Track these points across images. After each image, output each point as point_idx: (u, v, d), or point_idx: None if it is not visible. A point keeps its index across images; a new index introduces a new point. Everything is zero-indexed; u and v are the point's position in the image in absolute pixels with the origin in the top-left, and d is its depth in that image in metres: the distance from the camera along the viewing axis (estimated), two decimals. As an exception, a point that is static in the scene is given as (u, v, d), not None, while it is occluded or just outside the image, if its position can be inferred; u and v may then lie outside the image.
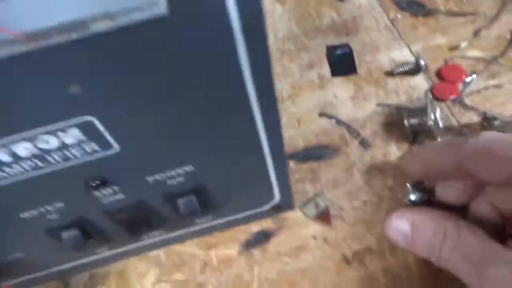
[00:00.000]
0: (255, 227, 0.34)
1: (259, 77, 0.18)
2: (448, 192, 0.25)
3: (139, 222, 0.26)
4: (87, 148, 0.20)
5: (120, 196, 0.24)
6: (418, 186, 0.27)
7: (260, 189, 0.28)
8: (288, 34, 0.44)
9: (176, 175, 0.24)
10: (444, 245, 0.22)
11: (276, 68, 0.42)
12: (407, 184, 0.27)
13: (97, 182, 0.22)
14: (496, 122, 0.32)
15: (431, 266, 0.29)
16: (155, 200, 0.26)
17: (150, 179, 0.24)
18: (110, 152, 0.21)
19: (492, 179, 0.21)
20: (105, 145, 0.20)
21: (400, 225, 0.25)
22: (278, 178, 0.27)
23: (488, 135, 0.21)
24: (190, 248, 0.34)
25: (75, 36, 0.15)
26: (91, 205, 0.24)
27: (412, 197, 0.26)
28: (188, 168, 0.24)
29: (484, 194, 0.23)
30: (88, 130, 0.19)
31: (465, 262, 0.21)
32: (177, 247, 0.34)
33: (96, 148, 0.20)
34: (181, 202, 0.26)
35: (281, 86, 0.41)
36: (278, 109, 0.22)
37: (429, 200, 0.26)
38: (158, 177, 0.24)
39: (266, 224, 0.34)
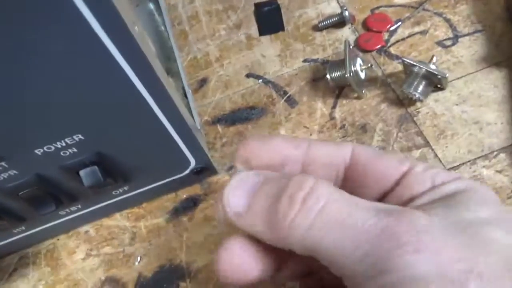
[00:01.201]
0: (183, 194, 0.33)
1: (117, 37, 0.17)
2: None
3: (44, 197, 0.26)
4: (-50, 123, 0.19)
5: (13, 172, 0.23)
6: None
7: (169, 154, 0.27)
8: (217, -6, 0.43)
9: (67, 146, 0.23)
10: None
11: (204, 30, 0.41)
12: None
13: (-23, 159, 0.21)
14: (415, 69, 0.32)
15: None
16: (55, 174, 0.25)
17: (38, 151, 0.23)
18: (-22, 125, 0.20)
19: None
20: (-31, 118, 0.19)
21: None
22: (185, 141, 0.27)
23: None
24: (119, 220, 0.33)
25: None
26: (-16, 184, 0.24)
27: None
28: (78, 137, 0.23)
29: None
30: None
31: None
32: (106, 221, 0.33)
33: (-40, 122, 0.19)
34: (83, 173, 0.25)
35: (209, 49, 0.39)
36: (155, 69, 0.21)
37: None
38: (47, 149, 0.23)
39: (194, 190, 0.33)
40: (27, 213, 0.27)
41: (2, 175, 0.23)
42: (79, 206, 0.29)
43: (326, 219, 0.15)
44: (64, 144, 0.23)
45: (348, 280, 0.15)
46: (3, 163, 0.23)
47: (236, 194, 0.18)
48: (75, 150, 0.24)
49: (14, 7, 0.15)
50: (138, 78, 0.21)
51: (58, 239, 0.33)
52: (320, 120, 0.34)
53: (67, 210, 0.29)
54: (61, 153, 0.23)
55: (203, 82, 0.38)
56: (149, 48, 0.20)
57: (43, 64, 0.18)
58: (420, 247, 0.14)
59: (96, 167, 0.25)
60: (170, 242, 0.32)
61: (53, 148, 0.23)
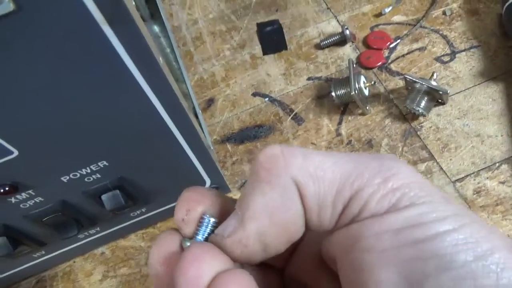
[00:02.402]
0: (196, 213, 0.34)
1: (143, 65, 0.18)
2: None
3: (67, 222, 0.26)
4: (-16, 156, 0.20)
5: (38, 199, 0.24)
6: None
7: (187, 176, 0.28)
8: (219, 14, 0.44)
9: (92, 172, 0.24)
10: None
11: (209, 51, 0.42)
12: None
13: (7, 188, 0.22)
14: (417, 86, 0.33)
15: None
16: (78, 199, 0.25)
17: (64, 179, 0.23)
18: (10, 157, 0.20)
19: None
20: (2, 151, 0.20)
21: None
22: (202, 163, 0.27)
23: None
24: (134, 241, 0.34)
25: None
26: (10, 211, 0.24)
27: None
28: (102, 163, 0.24)
29: None
30: (-22, 138, 0.19)
31: None
32: (121, 242, 0.34)
33: (-6, 155, 0.20)
34: (105, 198, 0.26)
35: (215, 69, 0.40)
36: (177, 97, 0.22)
37: None
38: (72, 176, 0.23)
39: (207, 208, 0.34)
40: (49, 237, 0.28)
41: (29, 202, 0.24)
42: (98, 229, 0.30)
43: None
44: (88, 171, 0.24)
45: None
46: (30, 191, 0.23)
47: None
48: (98, 175, 0.24)
49: (55, 41, 0.16)
50: (162, 106, 0.21)
51: (74, 261, 0.34)
52: (327, 137, 0.35)
53: (86, 233, 0.30)
54: (85, 179, 0.24)
55: (211, 101, 0.39)
56: (170, 75, 0.21)
57: (77, 96, 0.19)
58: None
59: (118, 191, 0.26)
60: (186, 261, 0.32)
61: (78, 175, 0.24)
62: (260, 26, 0.42)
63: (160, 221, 0.34)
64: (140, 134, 0.23)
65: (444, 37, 0.38)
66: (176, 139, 0.24)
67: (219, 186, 0.31)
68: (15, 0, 0.14)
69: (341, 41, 0.39)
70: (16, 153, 0.20)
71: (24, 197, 0.23)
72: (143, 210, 0.30)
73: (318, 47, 0.40)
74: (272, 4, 0.43)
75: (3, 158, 0.20)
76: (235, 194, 0.34)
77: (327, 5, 0.42)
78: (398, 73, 0.37)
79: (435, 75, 0.34)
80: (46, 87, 0.18)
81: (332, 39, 0.39)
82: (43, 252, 0.30)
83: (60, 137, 0.21)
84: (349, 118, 0.36)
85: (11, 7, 0.14)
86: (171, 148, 0.25)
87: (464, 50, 0.37)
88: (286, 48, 0.40)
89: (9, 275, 0.31)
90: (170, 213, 0.33)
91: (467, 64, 0.36)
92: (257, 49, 0.41)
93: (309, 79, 0.38)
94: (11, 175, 0.22)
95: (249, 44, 0.41)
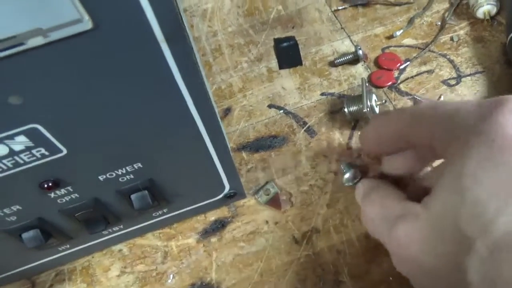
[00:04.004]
0: (212, 216, 0.36)
1: (188, 77, 0.20)
2: (392, 165, 0.27)
3: (97, 218, 0.28)
4: (36, 153, 0.21)
5: (74, 195, 0.26)
6: (350, 165, 0.30)
7: (209, 180, 0.30)
8: (237, 28, 0.46)
9: (126, 173, 0.26)
10: (369, 211, 0.25)
11: (227, 62, 0.44)
12: (340, 165, 0.30)
13: (50, 184, 0.24)
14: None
15: (371, 240, 0.32)
16: (110, 197, 0.27)
17: (101, 177, 0.25)
18: (59, 155, 0.22)
19: (421, 142, 0.23)
20: (53, 149, 0.22)
21: (357, 196, 0.28)
22: (225, 169, 0.29)
23: (418, 104, 0.24)
24: (151, 240, 0.35)
25: (11, 51, 0.16)
26: (47, 205, 0.26)
27: (346, 175, 0.29)
28: (137, 165, 0.25)
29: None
30: (35, 136, 0.20)
31: (383, 223, 0.23)
32: (138, 240, 0.35)
33: (45, 152, 0.22)
34: (134, 197, 0.27)
35: (232, 80, 0.43)
36: (214, 106, 0.24)
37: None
38: (109, 175, 0.25)
39: (222, 212, 0.36)
40: (77, 232, 0.29)
41: (65, 197, 0.26)
42: (121, 226, 0.32)
43: None
44: (124, 171, 0.26)
45: None
46: (69, 187, 0.25)
47: None
48: (132, 176, 0.26)
49: (119, 56, 0.18)
50: (199, 115, 0.23)
51: (92, 257, 0.35)
52: (338, 150, 0.37)
53: (110, 229, 0.32)
54: (120, 179, 0.26)
55: (228, 111, 0.41)
56: (208, 86, 0.23)
57: (126, 104, 0.21)
58: None
59: (146, 192, 0.27)
60: (200, 262, 0.34)
61: (114, 174, 0.25)
62: (277, 42, 0.44)
63: (177, 222, 0.35)
64: (175, 139, 0.25)
65: (451, 61, 0.40)
66: (206, 146, 0.26)
67: (237, 192, 0.33)
68: (93, 19, 0.16)
69: (354, 60, 0.41)
70: (65, 151, 0.22)
71: (63, 193, 0.25)
72: (165, 210, 0.32)
73: (332, 64, 0.42)
74: (289, 21, 0.46)
75: (53, 156, 0.22)
76: (249, 200, 0.36)
77: (341, 25, 0.44)
78: (407, 94, 0.39)
79: (442, 97, 0.36)
80: (102, 95, 0.19)
81: (345, 58, 0.41)
82: (68, 246, 0.31)
83: (105, 140, 0.22)
84: (359, 133, 0.38)
85: (89, 25, 0.16)
86: (200, 154, 0.27)
87: (469, 75, 0.39)
88: (301, 64, 0.43)
89: (32, 267, 0.32)
90: (187, 215, 0.34)
91: (472, 88, 0.38)
92: (274, 63, 0.43)
93: (322, 94, 0.40)
94: (56, 172, 0.23)
95: (266, 58, 0.43)
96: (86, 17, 0.16)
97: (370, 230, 0.25)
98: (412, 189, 0.26)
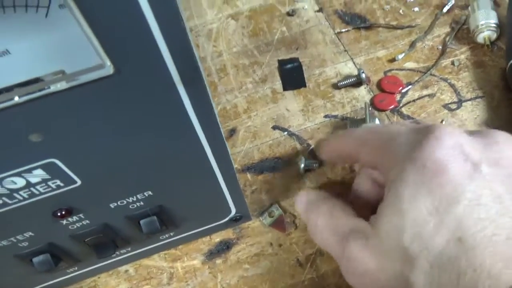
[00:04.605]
0: (217, 237, 0.36)
1: (203, 115, 0.21)
2: (359, 189, 0.29)
3: (106, 243, 0.29)
4: (52, 185, 0.22)
5: (85, 221, 0.26)
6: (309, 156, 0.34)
7: (216, 205, 0.31)
8: (242, 49, 0.47)
9: (137, 200, 0.26)
10: (318, 221, 0.26)
11: (232, 83, 0.44)
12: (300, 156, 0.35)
13: (63, 212, 0.24)
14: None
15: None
16: (119, 222, 0.28)
17: (112, 205, 0.26)
18: (73, 186, 0.23)
19: (368, 164, 0.26)
20: (68, 180, 0.22)
21: (299, 203, 0.29)
22: (231, 194, 0.30)
23: (364, 128, 0.26)
24: (157, 261, 0.36)
25: (35, 95, 0.17)
26: (59, 231, 0.26)
27: (302, 164, 0.35)
28: (148, 193, 0.26)
29: (363, 172, 0.28)
30: (51, 170, 0.21)
31: (333, 236, 0.24)
32: (145, 261, 0.36)
33: (60, 184, 0.22)
34: (143, 222, 0.28)
35: (237, 101, 0.43)
36: (223, 137, 0.24)
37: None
38: (120, 203, 0.26)
39: (227, 234, 0.36)
40: (86, 256, 0.30)
41: (77, 224, 0.26)
42: (129, 249, 0.32)
43: None
44: (135, 199, 0.26)
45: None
46: (81, 215, 0.26)
47: None
48: (142, 203, 0.27)
49: (138, 97, 0.19)
50: (210, 147, 0.24)
51: (99, 277, 0.36)
52: (341, 173, 0.38)
53: (117, 252, 0.32)
54: (130, 206, 0.27)
55: (233, 132, 0.41)
56: (217, 117, 0.24)
57: (142, 140, 0.21)
58: None
59: (155, 217, 0.28)
60: (206, 283, 0.34)
61: (125, 202, 0.26)
62: (281, 63, 0.45)
63: (182, 244, 0.36)
64: (185, 169, 0.25)
65: (452, 85, 0.41)
66: (214, 172, 0.27)
67: (243, 215, 0.34)
68: (115, 64, 0.17)
69: (357, 83, 0.42)
70: (79, 182, 0.23)
71: (75, 219, 0.26)
72: (171, 234, 0.32)
73: (335, 86, 0.43)
74: (293, 42, 0.46)
75: (68, 186, 0.22)
76: (254, 221, 0.36)
77: (344, 47, 0.45)
78: (408, 117, 0.40)
79: (443, 121, 0.37)
80: (119, 133, 0.20)
81: (348, 81, 0.42)
82: (76, 268, 0.32)
83: (119, 171, 0.23)
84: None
85: (111, 70, 0.17)
86: (208, 180, 0.27)
87: (470, 100, 0.40)
88: (305, 86, 0.43)
89: (39, 288, 0.33)
90: (193, 237, 0.35)
91: (472, 113, 0.39)
92: (278, 84, 0.44)
93: (326, 116, 0.41)
94: (69, 201, 0.24)
95: (270, 79, 0.44)
96: (108, 62, 0.17)
97: (318, 241, 0.26)
98: (356, 202, 0.28)
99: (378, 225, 0.22)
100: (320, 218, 0.26)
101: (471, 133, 0.22)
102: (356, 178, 0.28)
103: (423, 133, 0.22)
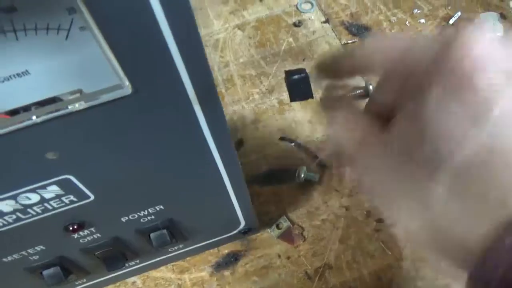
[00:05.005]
0: (225, 249, 0.36)
1: (217, 133, 0.21)
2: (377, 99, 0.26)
3: (116, 256, 0.29)
4: (65, 200, 0.22)
5: (96, 235, 0.26)
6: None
7: (226, 218, 0.31)
8: (249, 59, 0.47)
9: (148, 214, 0.26)
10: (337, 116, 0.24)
11: (239, 94, 0.45)
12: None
13: (75, 226, 0.24)
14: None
15: (383, 278, 0.33)
16: (129, 236, 0.28)
17: (124, 219, 0.26)
18: (86, 201, 0.23)
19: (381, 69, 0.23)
20: (82, 196, 0.22)
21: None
22: (241, 208, 0.30)
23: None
24: (165, 273, 0.36)
25: (53, 114, 0.17)
26: (70, 245, 0.26)
27: (302, 175, 0.36)
28: (159, 207, 0.26)
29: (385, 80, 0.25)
30: (66, 186, 0.21)
31: (349, 138, 0.23)
32: (152, 273, 0.36)
33: (74, 199, 0.22)
34: (153, 236, 0.28)
35: (244, 112, 0.43)
36: (235, 153, 0.24)
37: None
38: (131, 217, 0.26)
39: (235, 246, 0.36)
40: (95, 268, 0.30)
41: (87, 238, 0.26)
42: (138, 261, 0.32)
43: None
44: (146, 213, 0.26)
45: None
46: (92, 229, 0.26)
47: None
48: (153, 217, 0.27)
49: (155, 115, 0.19)
50: (223, 163, 0.24)
51: (106, 288, 0.36)
52: (349, 185, 0.38)
53: (127, 264, 0.32)
54: (141, 219, 0.27)
55: (240, 143, 0.41)
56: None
57: (156, 157, 0.21)
58: None
59: (165, 231, 0.28)
60: (214, 295, 0.34)
61: (136, 216, 0.26)
62: (288, 74, 0.45)
63: (190, 256, 0.36)
64: (197, 184, 0.25)
65: (459, 97, 0.41)
66: (226, 188, 0.27)
67: (251, 227, 0.34)
68: (133, 84, 0.17)
69: (365, 94, 0.42)
70: (92, 197, 0.23)
71: (86, 233, 0.26)
72: (181, 246, 0.32)
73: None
74: (300, 53, 0.47)
75: (82, 201, 0.23)
76: (262, 233, 0.36)
77: (351, 58, 0.45)
78: (416, 129, 0.40)
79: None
80: (134, 150, 0.20)
81: (356, 93, 0.42)
82: (84, 280, 0.32)
83: (132, 187, 0.23)
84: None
85: (129, 90, 0.17)
86: (220, 195, 0.27)
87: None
88: (312, 97, 0.43)
89: (48, 299, 0.33)
90: (201, 249, 0.35)
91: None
92: (285, 95, 0.44)
93: (333, 128, 0.41)
94: (82, 216, 0.24)
95: (277, 90, 0.44)
96: (127, 82, 0.17)
97: (332, 133, 0.24)
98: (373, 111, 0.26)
99: (395, 132, 0.20)
100: (339, 113, 0.24)
101: (500, 40, 0.21)
102: (376, 88, 0.27)
103: (448, 40, 0.19)
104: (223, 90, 0.45)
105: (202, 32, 0.49)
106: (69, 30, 0.15)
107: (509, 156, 0.17)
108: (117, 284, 0.36)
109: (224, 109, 0.44)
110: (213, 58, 0.47)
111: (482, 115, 0.17)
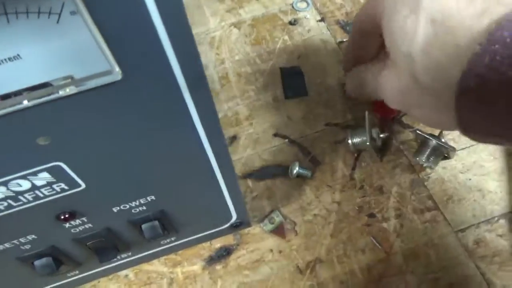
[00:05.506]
0: (217, 243, 0.36)
1: (207, 120, 0.21)
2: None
3: (108, 247, 0.29)
4: (56, 188, 0.22)
5: (88, 225, 0.27)
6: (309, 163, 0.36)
7: (217, 211, 0.31)
8: (244, 57, 0.47)
9: (139, 205, 0.26)
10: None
11: (234, 91, 0.45)
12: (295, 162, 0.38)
13: (66, 215, 0.24)
14: (427, 141, 0.36)
15: (374, 272, 0.33)
16: (121, 227, 0.28)
17: (115, 209, 0.26)
18: (77, 189, 0.23)
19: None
20: (73, 184, 0.22)
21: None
22: (233, 200, 0.30)
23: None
24: (157, 266, 0.36)
25: (44, 99, 0.17)
26: (61, 235, 0.27)
27: (294, 170, 0.38)
28: (150, 198, 0.26)
29: None
30: (57, 173, 0.21)
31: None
32: (145, 266, 0.36)
33: (65, 187, 0.22)
34: (145, 227, 0.28)
35: (239, 108, 0.44)
36: (226, 143, 0.25)
37: None
38: (123, 207, 0.26)
39: (227, 240, 0.36)
40: (87, 259, 0.30)
41: (79, 227, 0.26)
42: (130, 253, 0.32)
43: None
44: (137, 203, 0.26)
45: None
46: (83, 218, 0.26)
47: None
48: (144, 208, 0.27)
49: (144, 102, 0.19)
50: (212, 151, 0.24)
51: (98, 281, 0.36)
52: (342, 180, 0.38)
53: (119, 256, 0.32)
54: (133, 210, 0.27)
55: (234, 139, 0.42)
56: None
57: (146, 144, 0.22)
58: None
59: (157, 222, 0.28)
60: (206, 288, 0.35)
61: (128, 206, 0.26)
62: (283, 71, 0.45)
63: (182, 249, 0.36)
64: (188, 174, 0.26)
65: (452, 96, 0.41)
66: (217, 179, 0.27)
67: (243, 221, 0.34)
68: (123, 70, 0.17)
69: (358, 92, 0.42)
70: (83, 186, 0.23)
71: (77, 223, 0.26)
72: (173, 239, 0.33)
73: (337, 94, 0.43)
74: (295, 51, 0.47)
75: (73, 190, 0.23)
76: (254, 228, 0.37)
77: (345, 57, 0.46)
78: (409, 126, 0.40)
79: (443, 132, 0.37)
80: (125, 137, 0.20)
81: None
82: (77, 272, 0.32)
83: (123, 175, 0.23)
84: (362, 164, 0.39)
85: (119, 76, 0.17)
86: (211, 187, 0.28)
87: (469, 110, 0.40)
88: (306, 94, 0.44)
89: (40, 291, 0.33)
90: (193, 242, 0.35)
91: (471, 123, 0.40)
92: (279, 92, 0.44)
93: (326, 125, 0.41)
94: (73, 204, 0.24)
95: (272, 87, 0.45)
96: (117, 68, 0.17)
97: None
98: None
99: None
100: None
101: None
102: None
103: None
104: (218, 87, 0.45)
105: (199, 29, 0.50)
106: (60, 14, 0.16)
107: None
108: (110, 277, 0.36)
109: (218, 106, 0.44)
110: (209, 56, 0.48)
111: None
